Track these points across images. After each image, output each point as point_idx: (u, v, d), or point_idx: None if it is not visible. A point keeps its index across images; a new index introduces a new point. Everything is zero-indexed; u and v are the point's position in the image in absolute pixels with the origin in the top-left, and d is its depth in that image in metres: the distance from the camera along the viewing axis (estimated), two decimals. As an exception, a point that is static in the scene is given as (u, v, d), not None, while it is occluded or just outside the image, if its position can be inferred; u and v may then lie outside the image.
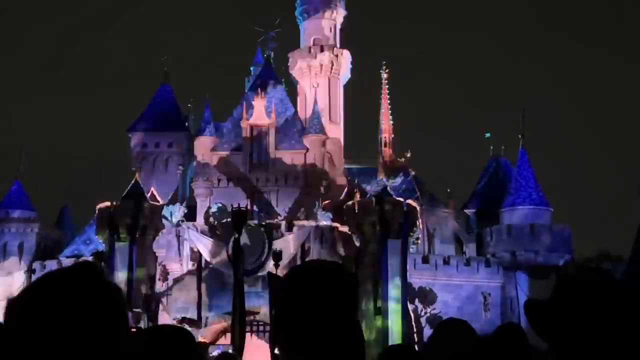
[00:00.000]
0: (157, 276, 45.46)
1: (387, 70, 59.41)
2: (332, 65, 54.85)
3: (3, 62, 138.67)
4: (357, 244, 45.47)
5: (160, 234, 46.51)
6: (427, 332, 44.03)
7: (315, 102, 51.01)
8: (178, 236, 46.01)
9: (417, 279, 46.33)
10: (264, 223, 45.92)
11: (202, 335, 40.17)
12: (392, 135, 57.97)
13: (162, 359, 2.66)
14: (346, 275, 2.25)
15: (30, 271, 49.66)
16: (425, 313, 46.47)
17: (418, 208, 47.30)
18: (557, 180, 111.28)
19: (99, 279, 1.91)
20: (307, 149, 48.72)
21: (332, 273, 2.22)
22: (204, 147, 49.33)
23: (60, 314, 1.81)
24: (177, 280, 45.25)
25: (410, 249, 45.97)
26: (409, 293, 44.99)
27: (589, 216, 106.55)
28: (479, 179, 58.94)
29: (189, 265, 45.72)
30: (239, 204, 43.78)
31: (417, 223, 46.81)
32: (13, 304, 1.89)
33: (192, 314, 43.97)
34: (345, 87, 57.19)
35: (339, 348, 2.12)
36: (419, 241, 48.14)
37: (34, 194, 54.60)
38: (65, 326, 1.79)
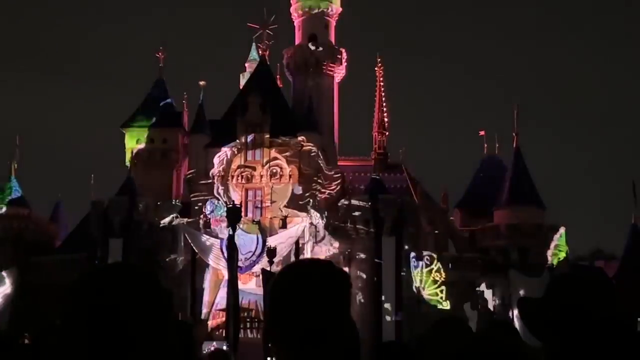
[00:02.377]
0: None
1: (381, 68, 59.42)
2: (327, 62, 54.81)
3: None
4: (352, 240, 45.56)
5: (154, 230, 46.50)
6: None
7: (310, 99, 50.96)
8: (172, 232, 46.00)
9: (411, 276, 46.32)
10: (258, 220, 45.94)
11: (196, 331, 40.17)
12: (387, 133, 57.98)
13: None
14: (337, 273, 2.26)
15: (24, 267, 49.53)
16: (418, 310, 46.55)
17: (412, 205, 47.39)
18: (550, 178, 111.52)
19: (154, 282, 1.95)
20: (302, 146, 48.70)
21: (324, 271, 2.23)
22: (199, 143, 49.27)
23: (114, 306, 1.85)
24: (171, 277, 45.23)
25: (404, 246, 46.04)
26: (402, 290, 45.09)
27: (583, 214, 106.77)
28: (473, 176, 59.00)
29: (183, 262, 45.72)
30: (233, 201, 43.79)
31: (411, 220, 46.89)
32: (74, 288, 1.94)
33: (186, 310, 43.99)
34: (340, 84, 57.18)
35: (331, 345, 2.13)
36: (413, 238, 48.21)
37: (28, 189, 54.49)
38: (116, 318, 1.84)
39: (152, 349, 1.85)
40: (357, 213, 45.61)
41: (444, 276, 47.45)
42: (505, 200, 51.42)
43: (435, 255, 47.79)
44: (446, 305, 46.85)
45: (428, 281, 47.17)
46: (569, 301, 2.37)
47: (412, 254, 46.88)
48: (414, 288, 46.57)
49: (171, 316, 1.96)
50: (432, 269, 47.21)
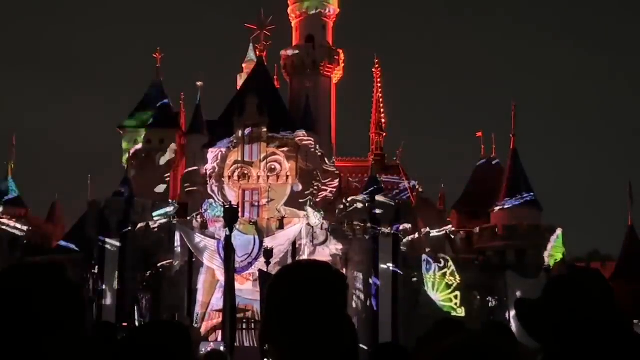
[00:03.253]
0: (148, 273, 45.40)
1: (379, 69, 59.46)
2: (325, 63, 54.83)
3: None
4: (349, 241, 45.55)
5: (151, 230, 46.47)
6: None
7: (307, 100, 50.99)
8: (169, 233, 45.96)
9: (408, 277, 46.26)
10: (255, 220, 45.92)
11: (192, 332, 40.13)
12: (384, 133, 58.01)
13: (158, 354, 2.66)
14: (335, 274, 2.27)
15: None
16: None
17: (409, 206, 47.40)
18: (547, 179, 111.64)
19: (60, 276, 1.98)
20: (299, 147, 48.71)
21: (321, 272, 2.24)
22: (196, 144, 49.27)
23: (19, 303, 1.89)
24: (168, 277, 45.20)
25: (401, 247, 46.03)
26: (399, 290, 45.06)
27: (579, 215, 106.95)
28: (470, 177, 59.01)
29: (179, 262, 45.69)
30: (230, 201, 43.76)
31: (408, 221, 46.89)
32: None
33: (183, 311, 43.96)
34: (338, 84, 57.22)
35: (329, 346, 2.13)
36: (410, 239, 48.20)
37: (24, 189, 54.41)
38: (23, 315, 1.88)
39: (46, 343, 1.88)
40: (354, 214, 45.61)
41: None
42: (502, 201, 51.46)
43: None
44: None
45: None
46: (566, 303, 2.38)
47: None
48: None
49: (81, 310, 1.98)
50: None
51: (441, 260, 47.10)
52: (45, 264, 2.02)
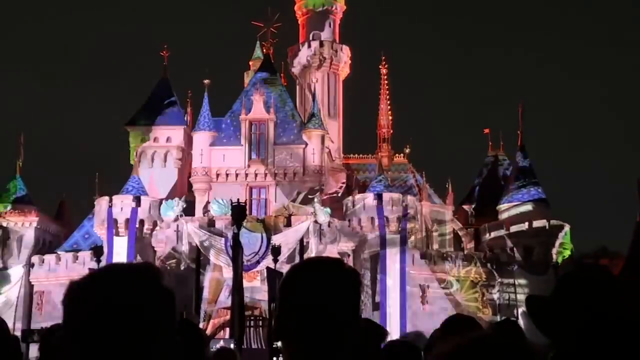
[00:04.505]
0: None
1: (385, 66, 59.44)
2: (332, 60, 54.83)
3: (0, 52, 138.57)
4: (356, 238, 45.55)
5: (158, 228, 46.55)
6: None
7: (314, 97, 51.01)
8: (177, 231, 46.00)
9: (416, 274, 46.23)
10: (262, 218, 45.93)
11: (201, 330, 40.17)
12: (391, 131, 58.00)
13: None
14: (347, 270, 2.27)
15: (29, 265, 49.64)
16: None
17: (417, 204, 47.36)
18: (555, 176, 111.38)
19: (155, 281, 1.96)
20: (306, 144, 48.72)
21: (333, 268, 2.24)
22: (203, 142, 49.32)
23: (113, 305, 1.86)
24: (175, 275, 45.25)
25: (409, 244, 46.01)
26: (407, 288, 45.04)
27: (588, 212, 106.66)
28: (478, 174, 58.99)
29: (187, 260, 45.72)
30: (237, 199, 43.75)
31: (416, 218, 46.86)
32: (73, 287, 1.95)
33: (191, 308, 43.99)
34: (345, 82, 57.20)
35: (341, 342, 2.14)
36: (417, 236, 48.19)
37: (33, 188, 54.55)
38: (117, 317, 1.85)
39: (153, 349, 1.87)
40: (362, 211, 45.61)
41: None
42: (510, 198, 51.40)
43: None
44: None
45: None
46: (576, 299, 2.39)
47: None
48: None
49: (174, 316, 1.96)
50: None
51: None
52: (146, 267, 2.00)
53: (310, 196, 46.92)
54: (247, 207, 44.85)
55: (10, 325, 39.29)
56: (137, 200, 46.53)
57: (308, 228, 45.50)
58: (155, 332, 1.87)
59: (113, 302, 1.86)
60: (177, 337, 1.92)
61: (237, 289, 33.27)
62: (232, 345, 27.62)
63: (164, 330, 1.89)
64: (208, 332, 42.28)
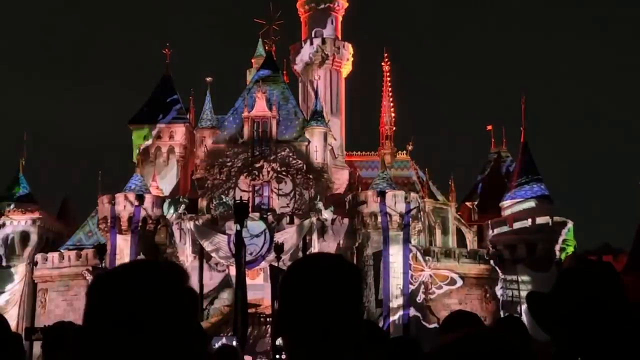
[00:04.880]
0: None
1: (388, 63, 59.35)
2: (334, 57, 54.80)
3: (3, 51, 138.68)
4: (359, 236, 45.54)
5: (161, 226, 46.58)
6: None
7: (317, 95, 50.98)
8: (180, 229, 46.02)
9: (419, 271, 46.22)
10: (265, 215, 45.90)
11: (203, 327, 40.21)
12: (394, 128, 57.95)
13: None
14: (348, 266, 2.26)
15: (32, 263, 49.69)
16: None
17: (419, 200, 47.32)
18: (558, 172, 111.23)
19: (179, 281, 1.95)
20: (309, 141, 48.69)
21: (334, 264, 2.23)
22: (206, 139, 49.30)
23: (136, 302, 1.86)
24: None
25: (412, 241, 46.00)
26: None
27: (591, 209, 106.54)
28: (481, 171, 58.95)
29: (190, 258, 45.73)
30: (240, 197, 43.75)
31: (419, 215, 46.82)
32: (97, 282, 1.95)
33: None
34: (347, 79, 57.16)
35: (343, 338, 2.13)
36: (420, 233, 48.14)
37: (36, 186, 54.61)
38: (136, 315, 1.85)
39: (172, 350, 1.87)
40: (364, 208, 45.58)
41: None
42: (513, 195, 51.34)
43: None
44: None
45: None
46: (578, 295, 2.38)
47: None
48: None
49: (194, 317, 1.96)
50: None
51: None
52: (174, 266, 1.99)
53: (311, 195, 46.78)
54: (250, 204, 44.86)
55: (14, 323, 39.13)
56: (140, 198, 46.54)
57: (311, 225, 45.49)
58: (176, 333, 1.86)
59: (137, 301, 1.86)
60: (197, 338, 1.92)
61: (240, 286, 33.31)
62: (234, 343, 27.65)
63: (185, 330, 1.88)
64: (211, 329, 42.30)
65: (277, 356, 28.76)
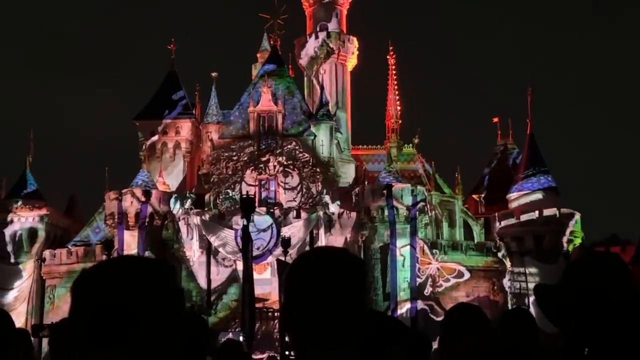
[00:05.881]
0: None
1: (393, 56, 59.26)
2: (339, 51, 54.73)
3: (6, 50, 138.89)
4: (366, 229, 45.53)
5: (168, 221, 46.64)
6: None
7: (322, 89, 50.94)
8: (187, 224, 46.08)
9: (426, 265, 46.21)
10: (272, 210, 45.93)
11: (211, 322, 40.30)
12: (400, 121, 57.87)
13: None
14: (352, 259, 2.24)
15: (40, 260, 49.84)
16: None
17: (426, 193, 47.28)
18: (565, 164, 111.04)
19: (166, 277, 1.95)
20: (315, 135, 48.68)
21: (339, 257, 2.21)
22: (212, 134, 49.34)
23: (117, 297, 1.86)
24: (186, 268, 45.35)
25: (419, 234, 45.97)
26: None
27: (598, 200, 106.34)
28: (487, 163, 58.86)
29: (197, 253, 45.82)
30: (247, 191, 43.79)
31: (426, 208, 46.78)
32: (82, 277, 1.94)
33: (202, 301, 44.13)
34: (352, 72, 57.09)
35: (349, 332, 2.12)
36: (427, 226, 48.11)
37: (43, 183, 54.71)
38: (118, 309, 1.84)
39: (156, 346, 1.85)
40: (371, 202, 45.56)
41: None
42: (520, 187, 51.25)
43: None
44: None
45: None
46: (585, 286, 2.36)
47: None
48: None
49: (181, 315, 1.95)
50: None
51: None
52: (149, 263, 1.98)
53: (318, 189, 46.78)
54: (257, 199, 44.87)
55: (23, 319, 39.22)
56: (147, 194, 46.61)
57: (318, 219, 45.51)
58: (158, 331, 1.85)
59: (118, 297, 1.85)
60: (183, 335, 1.91)
61: (247, 281, 33.33)
62: (241, 338, 27.68)
63: (168, 328, 1.87)
64: (219, 324, 42.38)
65: (287, 352, 28.72)
